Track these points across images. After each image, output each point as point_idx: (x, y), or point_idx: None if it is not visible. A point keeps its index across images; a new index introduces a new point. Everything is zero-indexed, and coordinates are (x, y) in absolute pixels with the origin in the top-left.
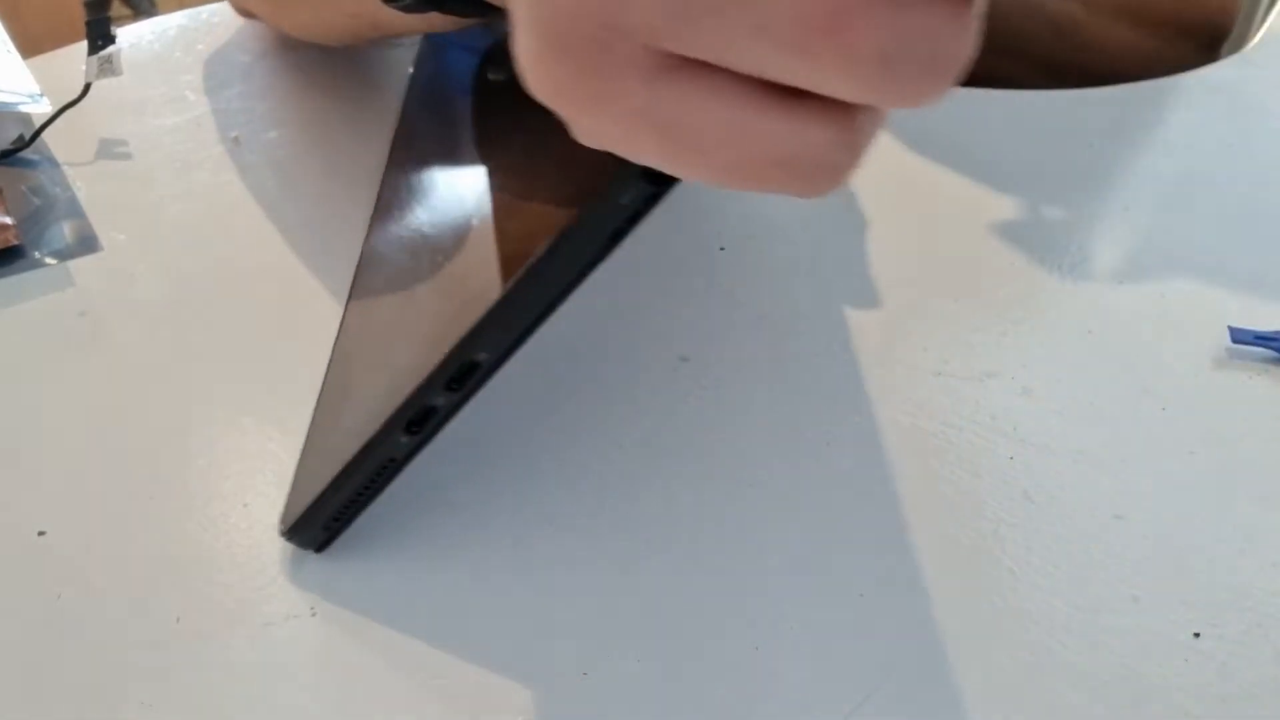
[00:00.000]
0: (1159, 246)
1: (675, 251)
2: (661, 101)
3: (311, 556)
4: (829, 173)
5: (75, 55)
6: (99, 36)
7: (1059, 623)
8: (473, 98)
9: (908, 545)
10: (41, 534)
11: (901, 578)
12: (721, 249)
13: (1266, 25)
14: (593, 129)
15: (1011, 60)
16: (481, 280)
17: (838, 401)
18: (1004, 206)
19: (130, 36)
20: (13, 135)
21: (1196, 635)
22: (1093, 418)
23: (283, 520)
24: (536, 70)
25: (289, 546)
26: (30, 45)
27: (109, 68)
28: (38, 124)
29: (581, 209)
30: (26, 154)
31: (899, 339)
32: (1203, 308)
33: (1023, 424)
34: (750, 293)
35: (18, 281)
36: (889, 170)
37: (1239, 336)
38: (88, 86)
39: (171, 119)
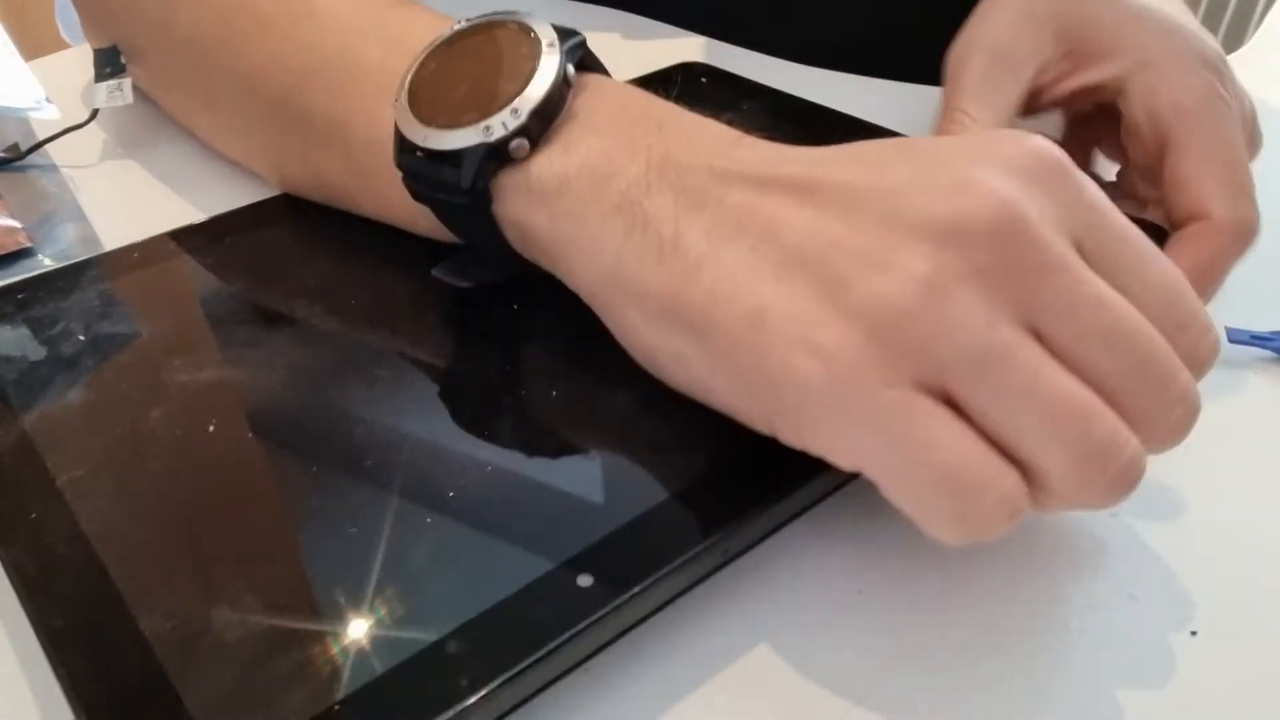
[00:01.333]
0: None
1: None
2: (911, 413)
3: None
4: (985, 524)
5: (79, 56)
6: (107, 65)
7: (1056, 621)
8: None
9: (904, 545)
10: None
11: (898, 577)
12: None
13: (1263, 25)
14: (830, 409)
15: None
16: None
17: None
18: None
19: None
20: (11, 141)
21: (1193, 633)
22: None
23: None
24: (810, 334)
25: None
26: (34, 45)
27: (118, 95)
28: (41, 128)
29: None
30: (32, 159)
31: None
32: None
33: None
34: None
35: None
36: None
37: (1235, 336)
38: (95, 112)
39: (173, 124)
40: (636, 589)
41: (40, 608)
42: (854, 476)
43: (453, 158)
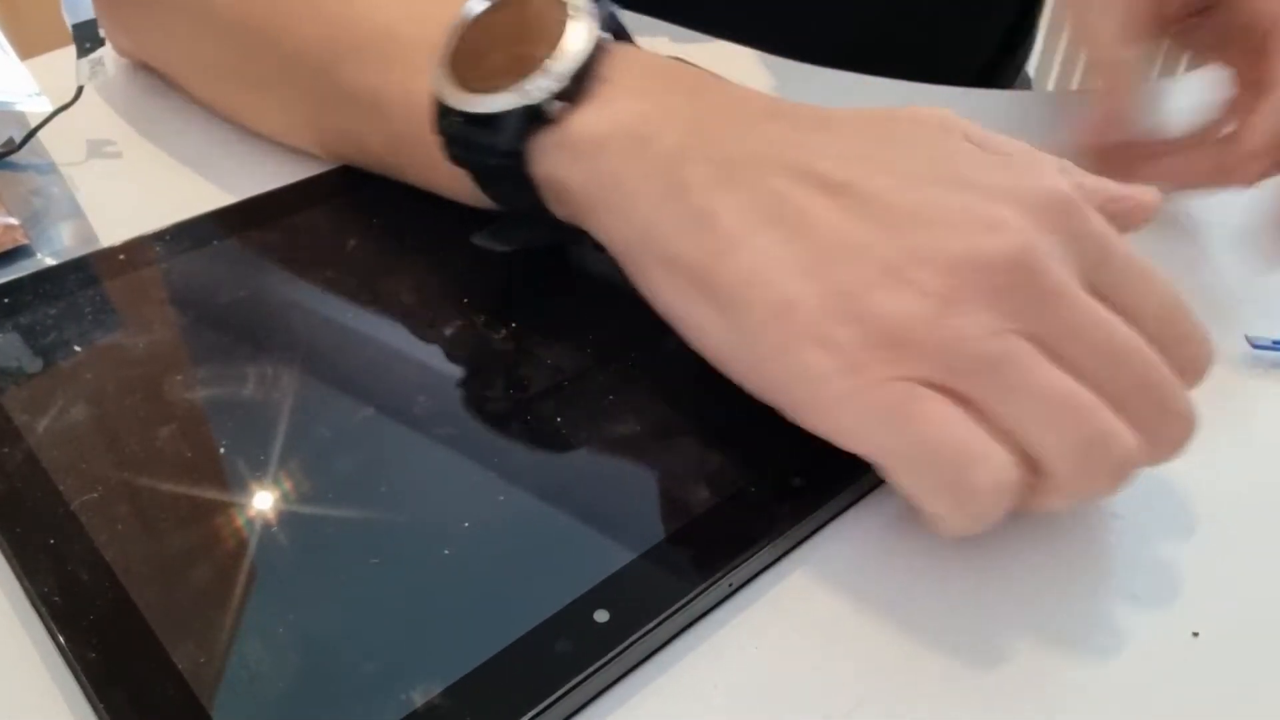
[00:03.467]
0: (1173, 248)
1: None
2: (913, 399)
3: None
4: (980, 499)
5: (72, 57)
6: (86, 39)
7: (1057, 621)
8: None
9: (906, 545)
10: None
11: (900, 577)
12: None
13: None
14: (839, 398)
15: None
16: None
17: None
18: None
19: None
20: (6, 137)
21: (1195, 635)
22: None
23: None
24: (800, 341)
25: None
26: (31, 47)
27: (100, 69)
28: (33, 124)
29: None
30: (26, 156)
31: None
32: (1215, 309)
33: None
34: None
35: None
36: None
37: (1259, 343)
38: (80, 89)
39: (171, 119)
40: (652, 624)
41: (73, 640)
42: (850, 505)
43: (492, 121)
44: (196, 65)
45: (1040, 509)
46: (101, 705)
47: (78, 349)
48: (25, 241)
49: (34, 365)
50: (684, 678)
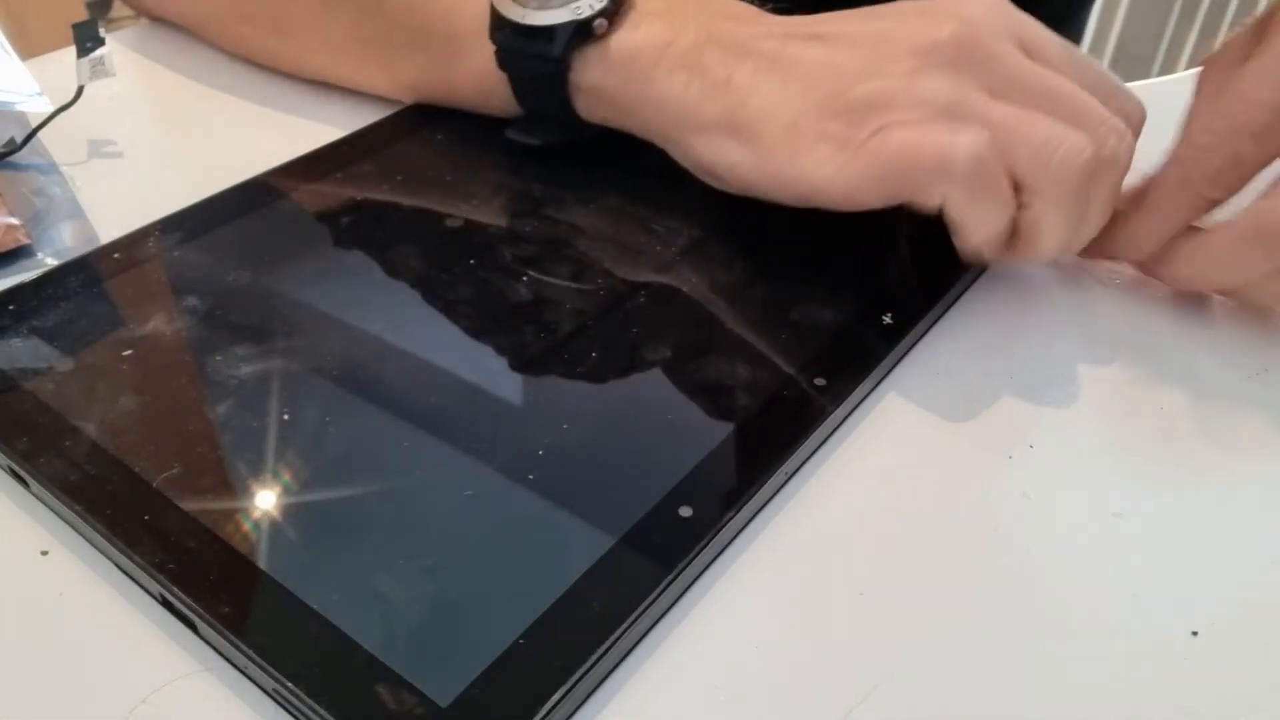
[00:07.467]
0: None
1: None
2: (892, 130)
3: None
4: (968, 169)
5: (72, 57)
6: (87, 39)
7: (1057, 621)
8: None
9: (906, 544)
10: (44, 553)
11: (900, 577)
12: None
13: None
14: (841, 171)
15: None
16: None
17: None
18: None
19: (133, 37)
20: (7, 137)
21: (1195, 634)
22: (1092, 416)
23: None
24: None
25: None
26: (32, 47)
27: (101, 69)
28: (34, 124)
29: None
30: (27, 156)
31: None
32: (1203, 308)
33: (1022, 423)
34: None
35: None
36: None
37: None
38: (80, 89)
39: (171, 119)
40: (731, 513)
41: (203, 599)
42: (865, 398)
43: (547, 32)
44: (229, 15)
45: (1037, 246)
46: (251, 650)
47: (99, 344)
48: (27, 241)
49: (65, 364)
50: (675, 645)
